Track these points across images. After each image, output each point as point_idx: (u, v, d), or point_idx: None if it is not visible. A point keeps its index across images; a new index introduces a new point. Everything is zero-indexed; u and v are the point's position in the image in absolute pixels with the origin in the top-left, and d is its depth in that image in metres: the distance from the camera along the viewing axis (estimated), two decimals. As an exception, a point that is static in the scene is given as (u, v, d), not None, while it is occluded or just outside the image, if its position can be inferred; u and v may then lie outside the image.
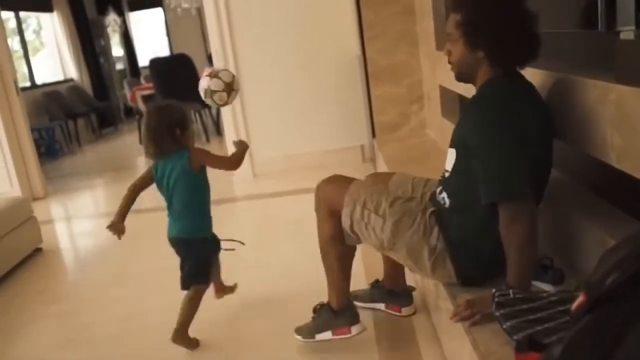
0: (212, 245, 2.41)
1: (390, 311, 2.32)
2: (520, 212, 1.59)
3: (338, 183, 2.05)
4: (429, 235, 1.81)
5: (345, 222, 1.95)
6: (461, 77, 1.82)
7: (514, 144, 1.61)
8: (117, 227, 2.24)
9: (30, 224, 3.71)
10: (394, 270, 2.27)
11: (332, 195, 2.01)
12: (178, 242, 2.31)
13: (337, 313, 2.11)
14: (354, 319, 2.13)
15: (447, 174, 1.85)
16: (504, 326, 1.45)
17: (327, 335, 2.14)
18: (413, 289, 2.34)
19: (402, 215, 1.85)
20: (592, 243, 1.73)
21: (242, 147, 2.37)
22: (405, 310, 2.30)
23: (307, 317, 2.21)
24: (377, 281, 2.38)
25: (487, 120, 1.66)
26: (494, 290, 1.57)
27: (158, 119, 2.24)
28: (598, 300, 1.01)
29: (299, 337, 2.20)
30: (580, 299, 1.03)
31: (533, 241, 1.60)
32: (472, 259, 1.78)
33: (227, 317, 2.55)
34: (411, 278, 2.38)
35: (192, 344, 2.28)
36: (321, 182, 2.09)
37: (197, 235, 2.33)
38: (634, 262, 0.98)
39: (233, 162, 2.37)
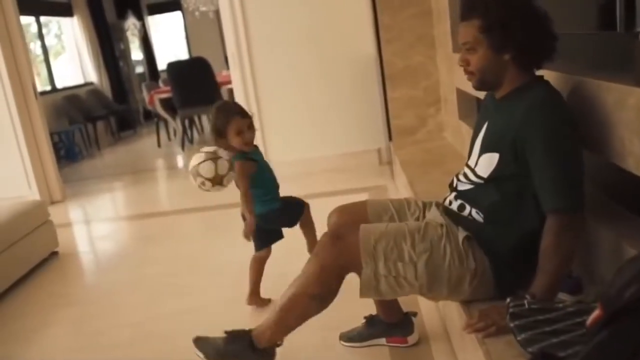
0: None
1: (394, 344, 2.13)
2: (575, 223, 1.57)
3: (348, 239, 1.76)
4: (465, 260, 1.70)
5: (370, 283, 1.72)
6: (484, 85, 1.75)
7: (579, 151, 1.60)
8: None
9: (46, 228, 3.73)
10: (387, 302, 2.07)
11: (346, 256, 1.74)
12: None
13: (257, 352, 1.88)
14: None
15: (468, 183, 1.79)
16: (518, 338, 1.40)
17: None
18: (414, 313, 2.16)
19: (430, 250, 1.70)
20: (610, 251, 1.68)
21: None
22: (411, 339, 2.12)
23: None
24: (371, 317, 2.18)
25: (560, 124, 1.59)
26: (508, 299, 1.53)
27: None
28: (615, 314, 0.97)
29: None
30: (597, 312, 0.99)
31: (574, 253, 1.58)
32: (516, 270, 1.70)
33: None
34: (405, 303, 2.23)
35: (265, 302, 2.60)
36: (326, 239, 1.80)
37: None
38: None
39: (243, 194, 2.52)
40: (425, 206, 2.00)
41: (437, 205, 1.95)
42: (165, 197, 5.78)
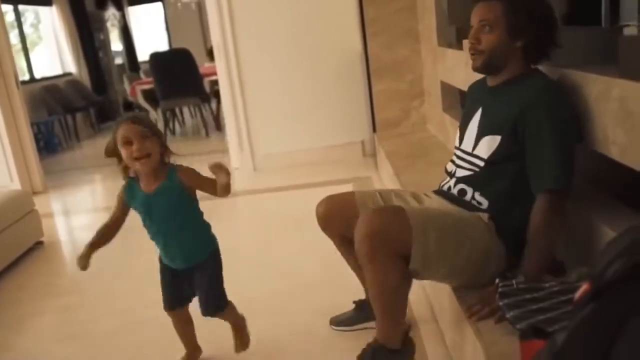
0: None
1: None
2: (564, 204, 1.64)
3: (386, 215, 1.71)
4: (491, 244, 1.73)
5: (418, 261, 1.65)
6: (487, 67, 1.80)
7: (576, 134, 1.69)
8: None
9: (31, 217, 3.72)
10: None
11: (394, 234, 1.64)
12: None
13: (394, 352, 1.77)
14: (413, 353, 1.87)
15: (467, 167, 1.84)
16: (508, 315, 1.47)
17: None
18: None
19: (463, 223, 1.73)
20: (591, 235, 1.75)
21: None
22: None
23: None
24: (360, 302, 2.21)
25: (564, 108, 1.68)
26: (497, 280, 1.60)
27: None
28: (601, 288, 1.03)
29: None
30: (584, 287, 1.05)
31: (561, 234, 1.65)
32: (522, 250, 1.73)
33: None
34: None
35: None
36: (362, 224, 1.66)
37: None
38: (636, 252, 1.01)
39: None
40: (417, 196, 2.02)
41: (436, 193, 1.99)
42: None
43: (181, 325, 2.13)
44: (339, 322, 2.25)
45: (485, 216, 1.76)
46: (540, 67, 1.81)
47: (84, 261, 1.94)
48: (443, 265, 1.70)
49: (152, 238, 1.99)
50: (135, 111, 8.24)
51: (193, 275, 2.00)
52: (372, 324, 2.14)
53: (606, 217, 1.72)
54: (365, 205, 1.97)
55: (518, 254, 1.73)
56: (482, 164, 1.80)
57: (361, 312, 2.20)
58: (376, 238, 1.61)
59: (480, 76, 1.94)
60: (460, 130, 1.98)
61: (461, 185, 1.86)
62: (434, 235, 1.64)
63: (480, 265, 1.74)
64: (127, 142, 1.82)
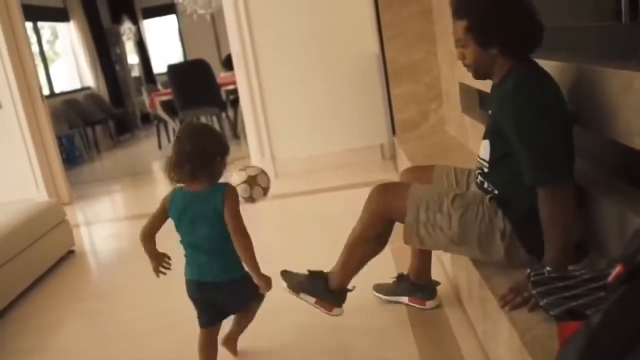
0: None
1: (413, 304, 2.38)
2: (558, 195, 1.69)
3: (394, 191, 2.08)
4: (495, 219, 1.88)
5: (412, 228, 1.99)
6: (479, 76, 1.93)
7: (553, 129, 1.70)
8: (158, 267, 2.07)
9: (63, 227, 3.82)
10: (422, 264, 2.35)
11: (391, 204, 2.03)
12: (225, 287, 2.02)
13: (330, 292, 2.16)
14: (342, 302, 2.19)
15: (484, 167, 1.96)
16: (541, 303, 1.52)
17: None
18: (438, 283, 2.40)
19: (466, 208, 1.91)
20: (616, 222, 1.79)
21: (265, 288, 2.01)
22: (429, 304, 2.34)
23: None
24: (401, 275, 2.44)
25: (527, 107, 1.72)
26: (528, 270, 1.65)
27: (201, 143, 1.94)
28: (634, 270, 1.08)
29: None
30: (618, 269, 1.11)
31: (570, 224, 1.70)
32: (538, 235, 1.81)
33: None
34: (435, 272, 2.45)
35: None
36: (375, 190, 2.09)
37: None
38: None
39: (246, 237, 1.94)
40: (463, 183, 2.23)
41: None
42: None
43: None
44: (379, 289, 2.49)
45: (486, 198, 1.92)
46: (559, 64, 1.87)
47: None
48: (438, 231, 1.94)
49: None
50: (155, 122, 8.36)
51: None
52: (404, 299, 2.39)
53: (630, 205, 1.76)
54: (439, 178, 2.24)
55: (525, 231, 1.84)
56: (486, 164, 1.96)
57: (399, 285, 2.42)
58: (380, 198, 2.05)
59: None
60: None
61: (480, 178, 2.01)
62: (424, 207, 1.95)
63: (483, 237, 1.89)
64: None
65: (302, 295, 2.19)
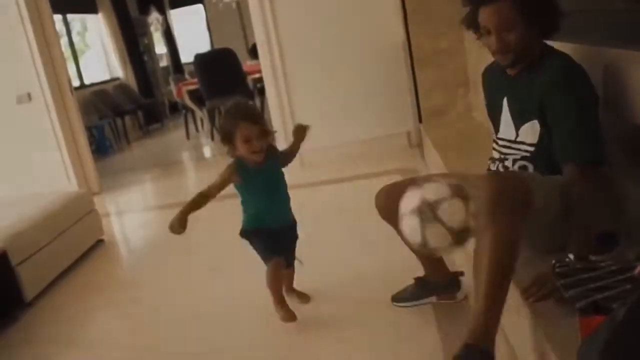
0: None
1: (443, 301, 2.31)
2: (592, 175, 1.68)
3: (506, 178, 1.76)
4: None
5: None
6: (519, 60, 1.84)
7: (596, 109, 1.72)
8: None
9: (92, 217, 3.88)
10: (434, 263, 2.24)
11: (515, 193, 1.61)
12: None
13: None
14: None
15: (526, 152, 1.89)
16: (567, 295, 1.49)
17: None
18: (461, 273, 2.30)
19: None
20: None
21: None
22: (458, 295, 2.29)
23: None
24: (419, 279, 2.32)
25: (586, 91, 1.73)
26: (553, 261, 1.61)
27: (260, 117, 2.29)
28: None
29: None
30: (644, 262, 1.08)
31: (598, 205, 1.68)
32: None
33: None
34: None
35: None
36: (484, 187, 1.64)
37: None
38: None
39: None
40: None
41: None
42: (200, 186, 5.91)
43: (277, 274, 2.33)
44: (400, 298, 2.36)
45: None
46: (591, 48, 1.81)
47: (177, 226, 2.17)
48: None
49: (257, 204, 2.35)
50: (183, 112, 8.42)
51: (284, 233, 2.41)
52: (433, 298, 2.31)
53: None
54: None
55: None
56: (532, 148, 1.87)
57: (421, 288, 2.31)
58: (499, 197, 1.56)
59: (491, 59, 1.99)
60: (491, 118, 2.07)
61: (521, 162, 1.91)
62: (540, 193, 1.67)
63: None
64: (247, 141, 2.19)
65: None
